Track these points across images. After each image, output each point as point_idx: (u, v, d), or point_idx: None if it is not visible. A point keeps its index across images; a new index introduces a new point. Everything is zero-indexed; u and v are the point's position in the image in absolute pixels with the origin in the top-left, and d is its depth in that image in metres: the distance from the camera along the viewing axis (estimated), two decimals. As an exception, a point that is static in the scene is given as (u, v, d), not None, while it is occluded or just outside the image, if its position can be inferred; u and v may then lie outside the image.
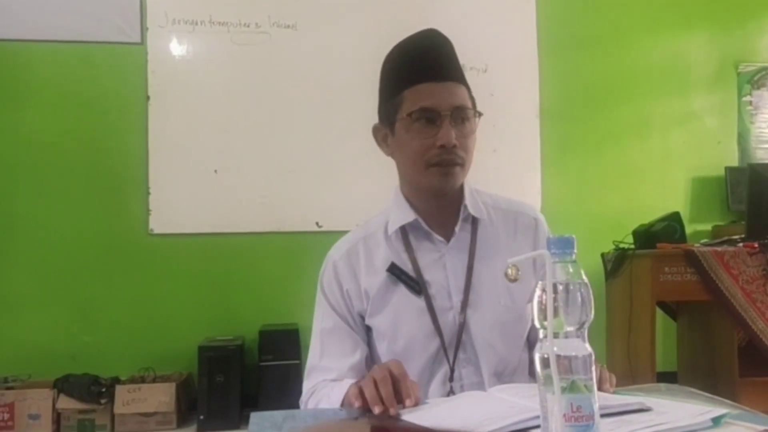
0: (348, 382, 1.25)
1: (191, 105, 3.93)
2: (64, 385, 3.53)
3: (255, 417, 1.07)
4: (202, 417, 3.51)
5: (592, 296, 0.77)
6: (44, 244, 3.81)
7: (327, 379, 1.34)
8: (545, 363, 0.76)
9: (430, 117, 1.28)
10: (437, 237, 1.37)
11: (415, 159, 1.31)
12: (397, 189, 1.42)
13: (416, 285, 1.33)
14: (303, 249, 3.84)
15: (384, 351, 1.35)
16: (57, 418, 3.51)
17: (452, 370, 1.32)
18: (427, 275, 1.35)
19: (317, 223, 3.93)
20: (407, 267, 1.35)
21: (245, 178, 3.96)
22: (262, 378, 3.60)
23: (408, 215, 1.37)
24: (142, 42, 3.92)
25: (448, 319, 1.33)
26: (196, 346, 3.61)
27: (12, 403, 3.47)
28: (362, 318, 1.38)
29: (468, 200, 1.37)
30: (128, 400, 3.52)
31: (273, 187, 3.97)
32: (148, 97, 3.90)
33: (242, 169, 3.96)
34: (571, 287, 0.76)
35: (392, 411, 1.04)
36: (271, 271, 3.94)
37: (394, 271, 1.34)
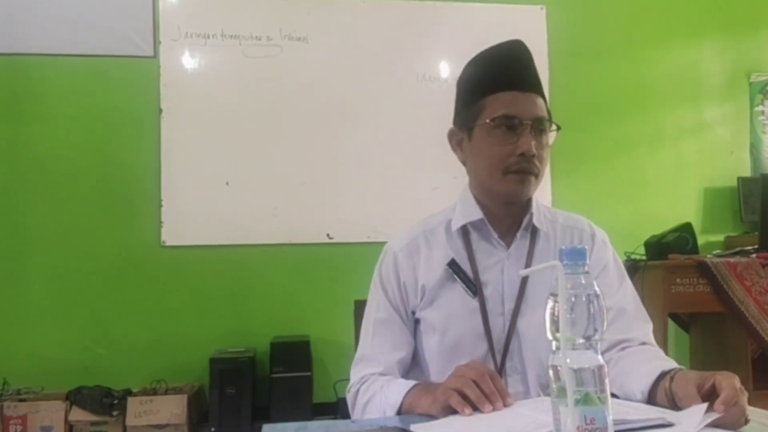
0: (401, 385, 1.24)
1: (203, 118, 3.96)
2: (76, 397, 3.54)
3: (267, 429, 1.07)
4: (213, 429, 3.51)
5: (604, 307, 0.77)
6: (57, 256, 3.84)
7: (375, 373, 1.34)
8: (558, 375, 0.76)
9: (511, 124, 1.30)
10: (499, 241, 1.38)
11: (492, 165, 1.32)
12: (467, 188, 1.43)
13: (473, 286, 1.34)
14: (314, 261, 3.85)
15: (433, 345, 1.35)
16: (69, 430, 3.51)
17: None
18: (484, 277, 1.36)
19: (328, 235, 3.93)
20: (466, 265, 1.36)
21: (257, 190, 3.97)
22: (273, 390, 3.60)
23: (475, 213, 1.38)
24: (155, 55, 3.95)
25: (498, 324, 1.33)
26: (207, 358, 3.62)
27: (25, 415, 3.48)
28: (413, 313, 1.39)
29: (534, 210, 1.39)
30: (140, 411, 3.52)
31: (284, 199, 3.98)
32: (160, 110, 3.93)
33: (254, 181, 3.98)
34: (584, 298, 0.76)
35: (499, 406, 1.05)
36: (282, 282, 3.94)
37: (453, 267, 1.36)
